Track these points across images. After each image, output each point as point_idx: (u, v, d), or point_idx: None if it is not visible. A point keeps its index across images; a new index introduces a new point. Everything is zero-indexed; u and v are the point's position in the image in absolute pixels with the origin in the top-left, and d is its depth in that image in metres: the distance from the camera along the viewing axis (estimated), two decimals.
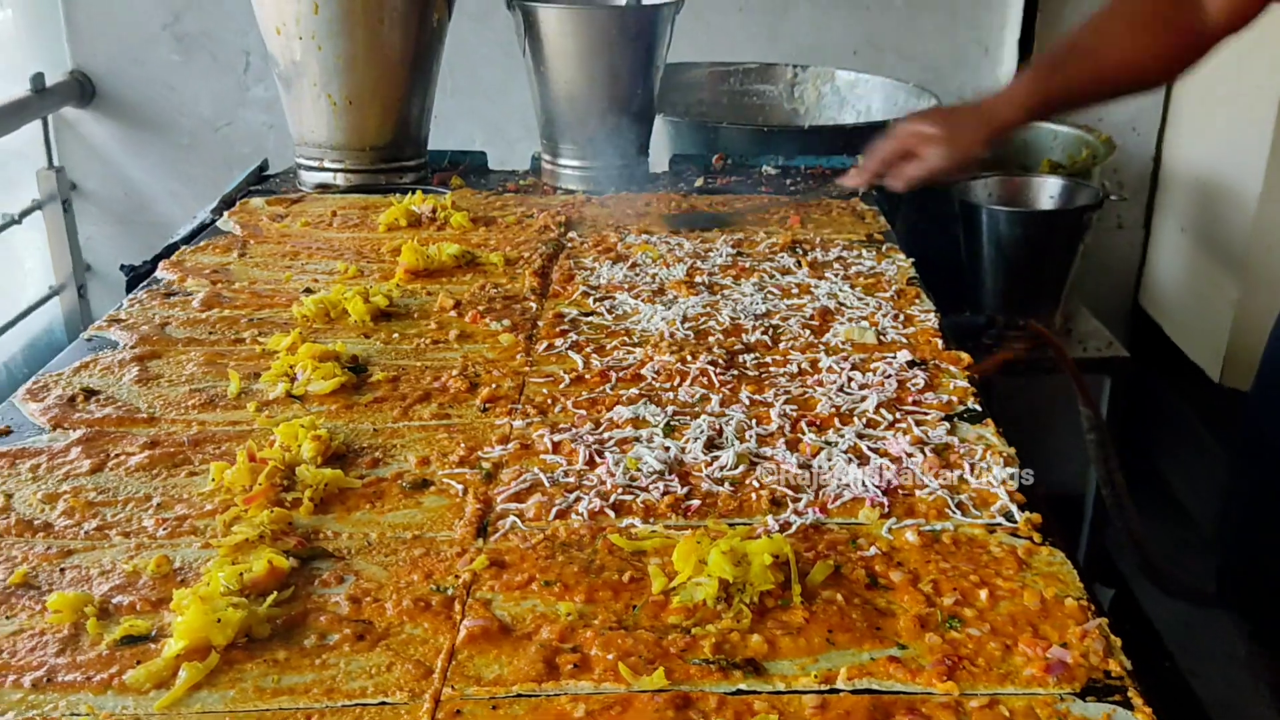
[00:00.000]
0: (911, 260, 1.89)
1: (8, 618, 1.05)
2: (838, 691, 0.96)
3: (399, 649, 1.01)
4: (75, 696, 0.95)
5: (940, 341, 1.59)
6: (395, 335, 1.62)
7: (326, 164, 2.28)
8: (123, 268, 2.00)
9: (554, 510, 1.21)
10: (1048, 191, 2.86)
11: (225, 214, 2.14)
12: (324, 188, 2.29)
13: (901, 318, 1.66)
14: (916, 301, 1.73)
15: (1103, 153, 3.11)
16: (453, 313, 1.69)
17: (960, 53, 3.60)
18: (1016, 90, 1.96)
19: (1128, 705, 0.94)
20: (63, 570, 1.11)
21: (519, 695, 0.95)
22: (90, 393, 1.44)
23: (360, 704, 0.94)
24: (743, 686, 0.96)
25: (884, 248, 1.97)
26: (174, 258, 1.91)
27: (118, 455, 1.31)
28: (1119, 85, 2.06)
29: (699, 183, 2.37)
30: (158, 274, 1.85)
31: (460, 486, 1.25)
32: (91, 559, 1.13)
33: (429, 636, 1.02)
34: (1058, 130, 3.35)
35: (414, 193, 2.15)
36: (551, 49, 2.24)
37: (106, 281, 3.79)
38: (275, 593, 1.05)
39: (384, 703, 0.95)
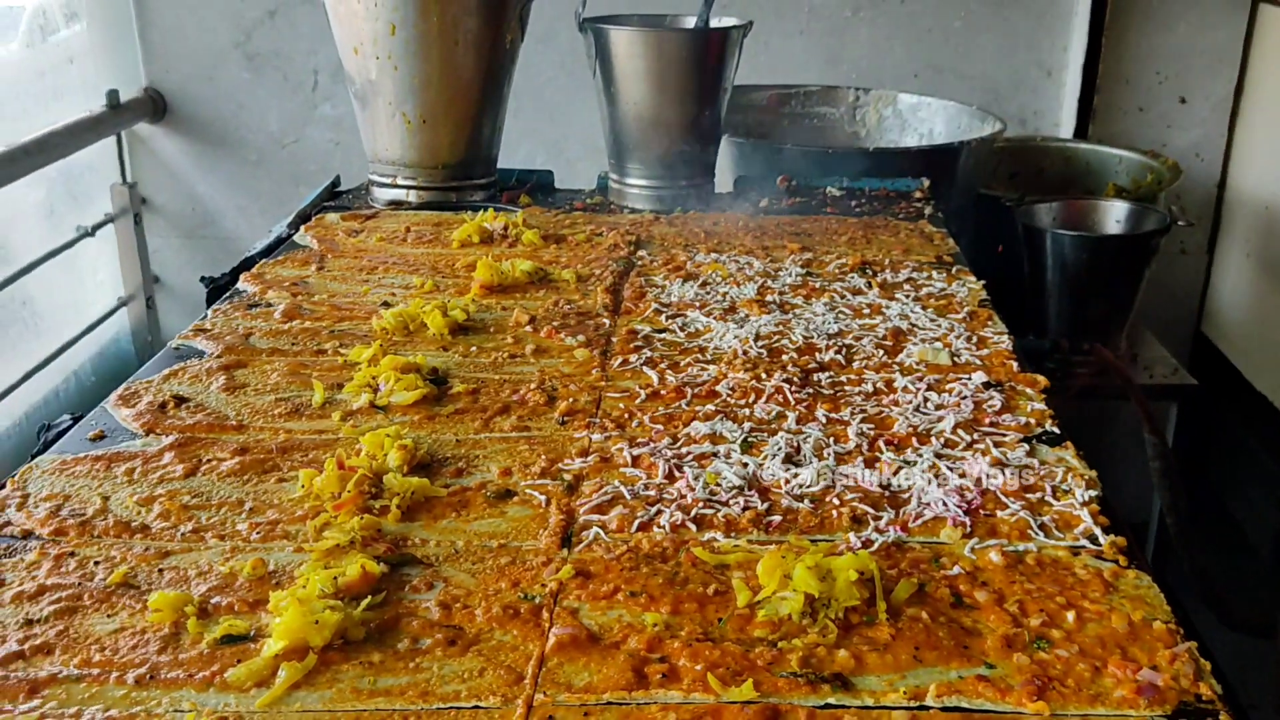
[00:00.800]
0: (982, 283, 1.89)
1: (109, 616, 1.08)
2: (927, 709, 0.96)
3: (490, 654, 1.02)
4: (178, 693, 0.98)
5: (1015, 364, 1.59)
6: (473, 349, 1.65)
7: (400, 181, 2.32)
8: (203, 279, 2.05)
9: (636, 522, 1.22)
10: (1113, 216, 2.84)
11: (301, 229, 2.18)
12: (397, 204, 2.33)
13: (975, 339, 1.67)
14: (989, 324, 1.73)
15: (1168, 178, 3.08)
16: (528, 328, 1.72)
17: (1020, 75, 3.60)
18: None
19: None
20: (161, 571, 1.14)
21: (610, 703, 0.97)
22: (180, 400, 1.48)
23: (455, 707, 0.96)
24: (831, 700, 0.97)
25: (954, 269, 1.97)
26: (254, 270, 1.95)
27: (209, 460, 1.34)
28: None
29: (764, 203, 2.39)
30: (239, 285, 1.90)
31: (543, 497, 1.27)
32: (189, 560, 1.16)
33: (518, 643, 1.04)
34: (1122, 155, 3.33)
35: (485, 210, 2.18)
36: (622, 70, 2.27)
37: (174, 294, 3.88)
38: (369, 597, 1.08)
39: (478, 706, 0.96)
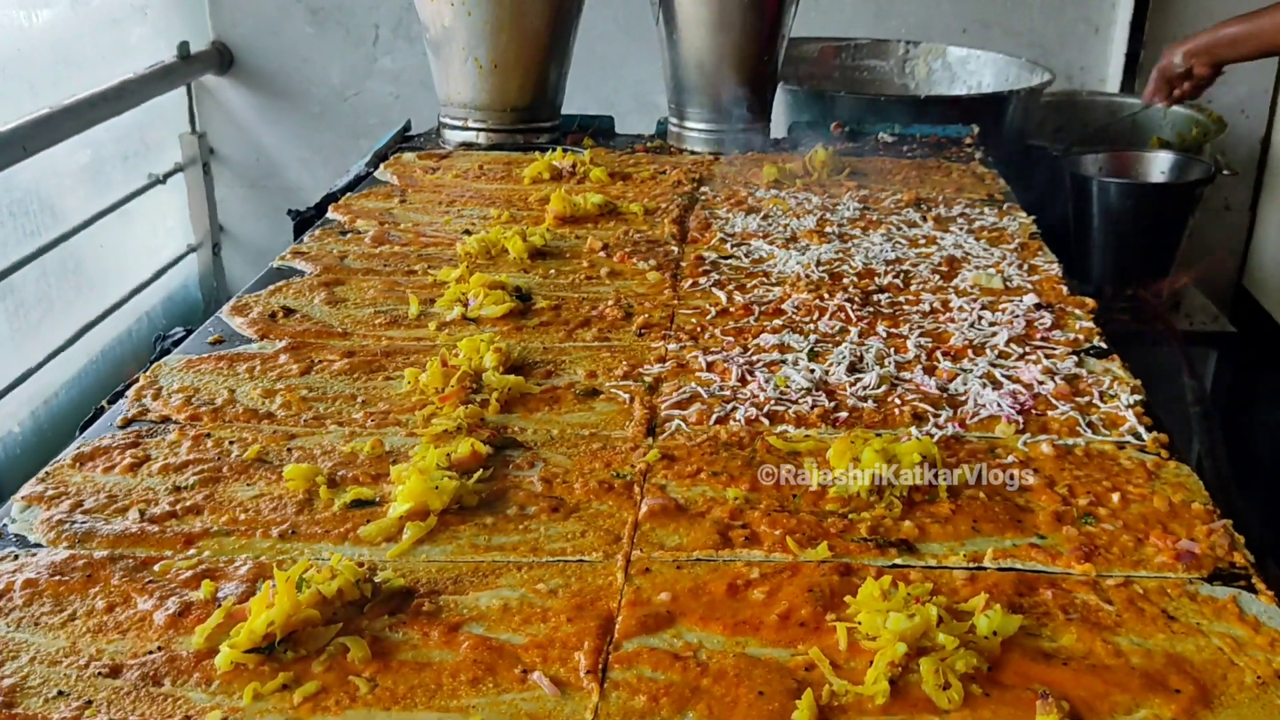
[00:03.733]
0: (1033, 218, 1.98)
1: (248, 485, 1.20)
2: (984, 569, 1.07)
3: (590, 520, 1.14)
4: (318, 545, 1.11)
5: (1064, 288, 1.68)
6: (552, 271, 1.76)
7: (470, 123, 2.44)
8: (290, 212, 2.17)
9: (714, 417, 1.33)
10: (1158, 166, 2.91)
11: (381, 166, 2.30)
12: (468, 146, 2.45)
13: (1026, 267, 1.76)
14: (1040, 254, 1.82)
15: (1213, 130, 3.13)
16: (601, 253, 1.82)
17: (1068, 31, 3.64)
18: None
19: (1252, 589, 1.04)
20: (289, 450, 1.27)
21: (699, 560, 1.08)
22: (288, 310, 1.60)
23: (562, 560, 1.08)
24: (898, 561, 1.08)
25: (1004, 206, 2.06)
26: (342, 201, 2.07)
27: (320, 362, 1.47)
28: None
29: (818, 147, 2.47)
30: (329, 215, 2.02)
31: (627, 395, 1.38)
32: (313, 442, 1.28)
33: (614, 511, 1.16)
34: (1167, 109, 3.37)
35: (554, 150, 2.29)
36: (684, 17, 2.36)
37: (238, 242, 4.02)
38: (479, 470, 1.20)
39: (582, 560, 1.08)
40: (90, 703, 0.90)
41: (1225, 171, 2.89)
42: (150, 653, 0.96)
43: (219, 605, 1.00)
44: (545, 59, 2.42)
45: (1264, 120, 3.67)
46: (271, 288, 1.69)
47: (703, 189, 2.16)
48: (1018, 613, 1.00)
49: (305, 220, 2.12)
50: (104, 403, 1.45)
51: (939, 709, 0.90)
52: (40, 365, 3.04)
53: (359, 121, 3.90)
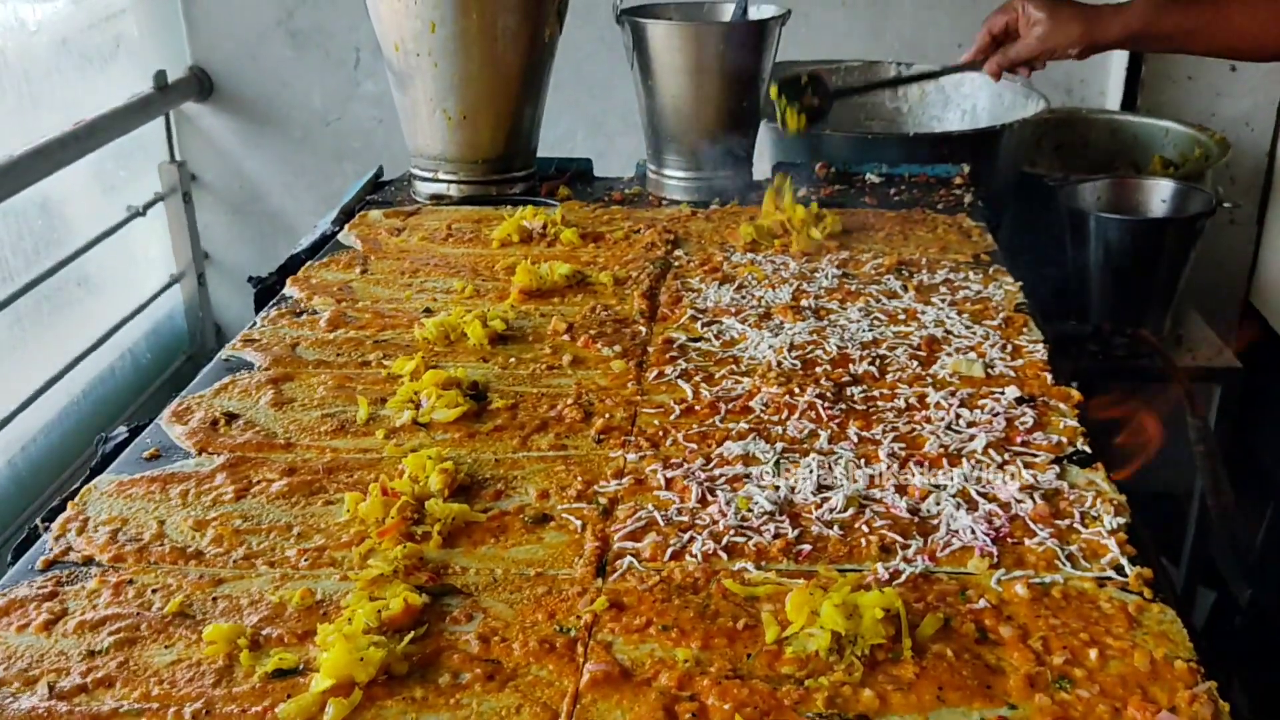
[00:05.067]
0: (1019, 285, 1.89)
1: (167, 647, 1.13)
2: None
3: (527, 690, 1.07)
4: None
5: (1049, 376, 1.59)
6: (512, 360, 1.68)
7: (441, 175, 2.35)
8: (250, 279, 2.10)
9: (669, 551, 1.25)
10: (1159, 195, 2.81)
11: (345, 227, 2.22)
12: (438, 198, 2.36)
13: (1009, 348, 1.67)
14: (1025, 330, 1.73)
15: (1216, 154, 3.03)
16: (565, 336, 1.74)
17: None
18: (1131, 13, 2.02)
19: None
20: (215, 600, 1.20)
21: None
22: (231, 416, 1.53)
23: None
24: None
25: (991, 269, 1.97)
26: (300, 273, 1.99)
27: (259, 482, 1.39)
28: (1234, 50, 2.09)
29: (802, 193, 2.38)
30: (286, 291, 1.94)
31: (579, 522, 1.31)
32: (240, 588, 1.21)
33: (554, 679, 1.08)
34: (1169, 127, 3.28)
35: (525, 207, 2.21)
36: (659, 63, 2.27)
37: (224, 270, 3.96)
38: (411, 631, 1.12)
39: None
40: None
41: (1227, 204, 2.79)
42: None
43: None
44: (517, 108, 2.34)
45: (1269, 133, 3.56)
46: (217, 386, 1.62)
47: (677, 252, 2.07)
48: None
49: (267, 289, 2.05)
50: (39, 521, 1.38)
51: None
52: (17, 412, 2.98)
53: (342, 145, 3.82)
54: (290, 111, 3.80)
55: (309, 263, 2.06)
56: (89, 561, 1.26)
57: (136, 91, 3.48)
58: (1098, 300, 2.75)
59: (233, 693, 1.07)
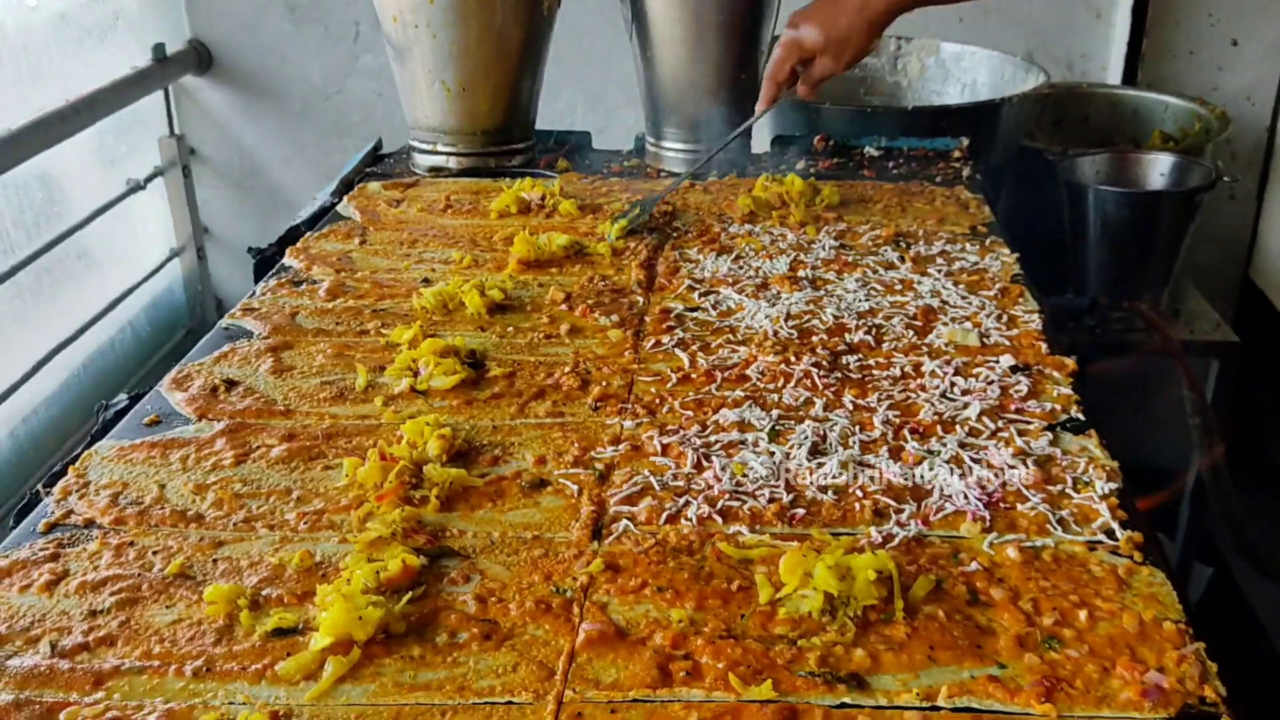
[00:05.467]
0: (1016, 256, 1.89)
1: (167, 607, 1.15)
2: (938, 709, 1.01)
3: (523, 649, 1.08)
4: (233, 685, 1.05)
5: (1044, 345, 1.60)
6: (510, 329, 1.69)
7: (440, 147, 2.35)
8: (250, 250, 2.10)
9: (664, 514, 1.27)
10: (1158, 169, 2.81)
11: (344, 199, 2.22)
12: (437, 170, 2.37)
13: (1005, 318, 1.68)
14: (1020, 301, 1.74)
15: (1216, 128, 3.03)
16: (563, 306, 1.75)
17: (1068, 17, 3.52)
18: None
19: None
20: (215, 561, 1.21)
21: (635, 700, 1.02)
22: (231, 383, 1.54)
23: (490, 702, 1.02)
24: (847, 700, 1.02)
25: (988, 241, 1.97)
26: (299, 244, 2.00)
27: (259, 447, 1.40)
28: None
29: (801, 165, 2.39)
30: (285, 261, 1.95)
31: (575, 487, 1.32)
32: (240, 550, 1.22)
33: (550, 638, 1.09)
34: (1169, 102, 3.27)
35: (523, 179, 2.21)
36: (658, 34, 2.27)
37: (223, 244, 3.96)
38: (409, 591, 1.13)
39: (511, 702, 1.02)
40: None
41: (1226, 178, 2.79)
42: None
43: None
44: (516, 79, 2.33)
45: (1270, 107, 3.55)
46: (217, 354, 1.63)
47: (675, 223, 2.07)
48: None
49: (266, 260, 2.05)
50: (40, 487, 1.39)
51: None
52: (18, 384, 2.99)
53: (341, 119, 3.82)
54: (289, 85, 3.79)
55: (308, 234, 2.06)
56: (90, 524, 1.27)
57: (135, 64, 3.47)
58: (1095, 274, 2.76)
59: (233, 651, 1.08)
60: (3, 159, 2.85)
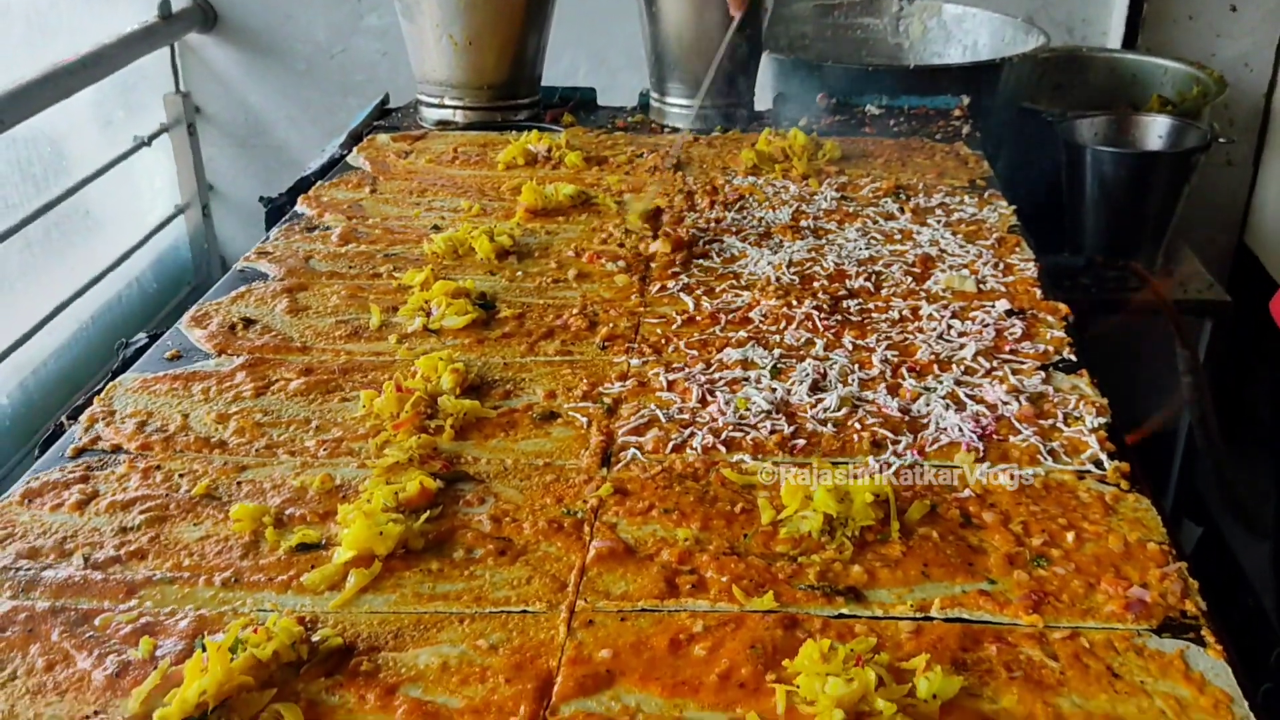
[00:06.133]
0: (1013, 208, 1.94)
1: (195, 525, 1.20)
2: (931, 619, 1.06)
3: (536, 564, 1.13)
4: (260, 594, 1.10)
5: (1039, 291, 1.65)
6: (519, 273, 1.73)
7: (446, 101, 2.39)
8: (262, 199, 2.14)
9: (670, 444, 1.32)
10: (1155, 131, 2.84)
11: (354, 150, 2.26)
12: (444, 124, 2.40)
13: (1001, 266, 1.72)
14: (1017, 250, 1.78)
15: (1214, 90, 3.06)
16: (570, 253, 1.79)
17: None
18: None
19: (1201, 643, 1.03)
20: (239, 484, 1.26)
21: (644, 610, 1.07)
22: (248, 321, 1.58)
23: (505, 611, 1.08)
24: (844, 611, 1.07)
25: (986, 194, 2.01)
26: (311, 192, 2.04)
27: (277, 381, 1.45)
28: None
29: (803, 122, 2.42)
30: (297, 209, 1.98)
31: (585, 419, 1.37)
32: (264, 474, 1.27)
33: (562, 554, 1.15)
34: (1168, 66, 3.30)
35: (530, 131, 2.25)
36: None
37: (228, 202, 3.99)
38: (427, 510, 1.19)
39: (526, 611, 1.08)
40: None
41: (1222, 139, 2.82)
42: (87, 717, 0.96)
43: (156, 665, 0.99)
44: (523, 33, 2.37)
45: (1268, 74, 3.58)
46: (234, 294, 1.67)
47: (680, 175, 2.11)
48: (961, 668, 1.00)
49: (277, 208, 2.09)
50: (64, 418, 1.44)
51: None
52: (28, 336, 3.03)
53: (346, 79, 3.84)
54: (294, 44, 3.81)
55: (319, 182, 2.10)
56: (117, 449, 1.32)
57: (141, 20, 3.49)
58: (1092, 233, 2.80)
59: (259, 564, 1.14)
60: (11, 113, 2.88)
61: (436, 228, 1.88)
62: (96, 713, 0.96)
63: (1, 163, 2.98)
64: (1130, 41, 3.51)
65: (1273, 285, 3.53)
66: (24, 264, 3.10)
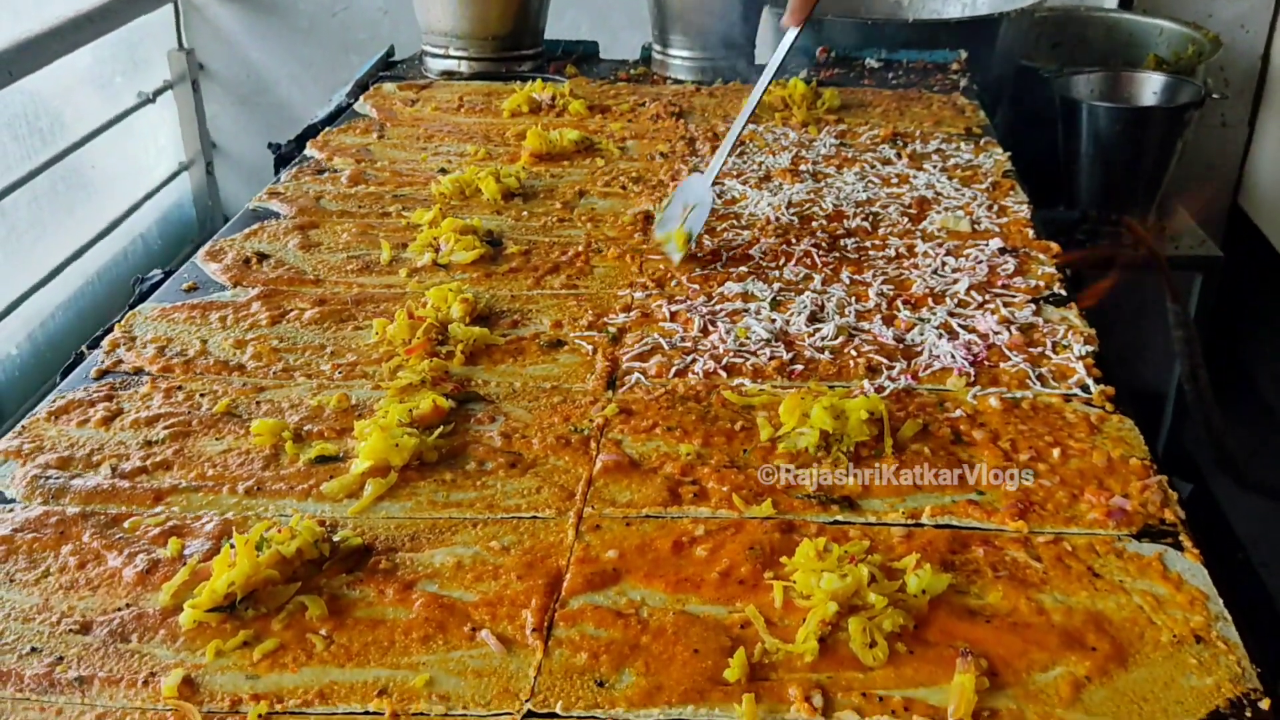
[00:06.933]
0: (1008, 154, 1.98)
1: (217, 439, 1.25)
2: (922, 525, 1.11)
3: (545, 476, 1.19)
4: (282, 502, 1.15)
5: (1031, 231, 1.69)
6: (524, 213, 1.78)
7: (451, 51, 2.42)
8: (270, 145, 2.18)
9: (673, 369, 1.36)
10: (1150, 88, 2.88)
11: (361, 98, 2.30)
12: (449, 74, 2.44)
13: (996, 208, 1.77)
14: (1011, 193, 1.83)
15: (1208, 50, 3.09)
16: (576, 191, 1.84)
17: None
18: None
19: (1179, 547, 1.08)
20: (258, 403, 1.31)
21: (648, 516, 1.13)
22: (262, 256, 1.63)
23: (516, 516, 1.13)
24: (839, 518, 1.12)
25: (982, 141, 2.05)
26: (320, 137, 2.08)
27: (292, 310, 1.50)
28: None
29: (803, 75, 2.46)
30: (306, 153, 2.02)
31: (590, 347, 1.42)
32: (281, 395, 1.32)
33: (570, 467, 1.20)
34: (1164, 26, 3.33)
35: (534, 81, 2.28)
36: None
37: (231, 159, 4.02)
38: (440, 426, 1.23)
39: (536, 517, 1.13)
40: (61, 659, 0.96)
41: (1215, 95, 2.86)
42: (119, 609, 1.01)
43: (185, 563, 1.05)
44: None
45: (1264, 36, 3.61)
46: (246, 231, 1.72)
47: (682, 122, 2.15)
48: (949, 570, 1.05)
49: (285, 155, 2.13)
50: (84, 348, 1.48)
51: (864, 666, 0.95)
52: (36, 288, 3.07)
53: (348, 36, 3.86)
54: (296, 1, 3.83)
55: (327, 129, 2.14)
56: (138, 372, 1.37)
57: None
58: (1086, 188, 2.84)
59: (280, 474, 1.19)
60: (17, 66, 2.91)
61: (443, 170, 1.92)
62: (128, 605, 1.02)
63: (7, 117, 3.01)
64: (1127, 2, 3.53)
65: (1266, 245, 3.57)
66: (32, 218, 3.14)
